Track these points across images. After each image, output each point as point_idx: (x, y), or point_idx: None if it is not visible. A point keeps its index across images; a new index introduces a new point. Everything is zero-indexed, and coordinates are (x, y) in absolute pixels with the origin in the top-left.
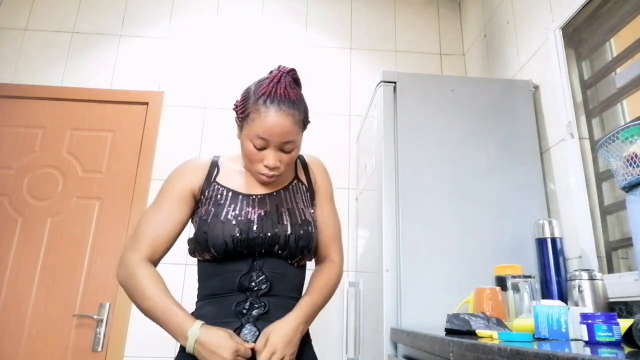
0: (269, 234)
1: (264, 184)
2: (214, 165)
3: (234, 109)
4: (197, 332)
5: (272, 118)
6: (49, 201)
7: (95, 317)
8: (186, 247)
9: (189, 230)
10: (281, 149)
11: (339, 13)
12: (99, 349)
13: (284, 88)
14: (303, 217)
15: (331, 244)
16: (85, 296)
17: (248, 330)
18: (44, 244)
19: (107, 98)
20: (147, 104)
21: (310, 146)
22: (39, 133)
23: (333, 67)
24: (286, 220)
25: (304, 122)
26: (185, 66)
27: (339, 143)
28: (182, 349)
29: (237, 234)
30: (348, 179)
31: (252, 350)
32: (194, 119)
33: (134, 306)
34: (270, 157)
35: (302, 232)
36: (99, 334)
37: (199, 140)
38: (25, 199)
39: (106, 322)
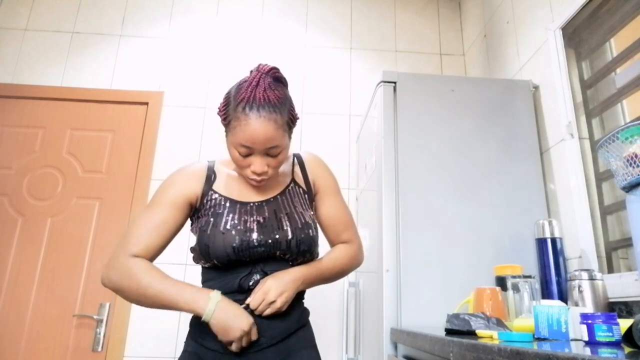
0: (270, 241)
1: (257, 188)
2: (211, 172)
3: (217, 114)
4: (219, 297)
5: (252, 126)
6: (49, 201)
7: (95, 317)
8: (186, 247)
9: (188, 237)
10: (267, 153)
11: (339, 13)
12: (99, 349)
13: (263, 91)
14: (303, 221)
15: (343, 233)
16: (85, 296)
17: None
18: (44, 244)
19: (107, 98)
20: (147, 104)
21: (310, 146)
22: (39, 133)
23: (333, 67)
24: (286, 225)
25: (289, 124)
26: (185, 66)
27: (339, 143)
28: (185, 348)
29: (238, 244)
30: (348, 179)
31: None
32: (194, 119)
33: (134, 306)
34: (257, 164)
35: (303, 236)
36: (99, 334)
37: (199, 140)
38: (25, 199)
39: (106, 322)
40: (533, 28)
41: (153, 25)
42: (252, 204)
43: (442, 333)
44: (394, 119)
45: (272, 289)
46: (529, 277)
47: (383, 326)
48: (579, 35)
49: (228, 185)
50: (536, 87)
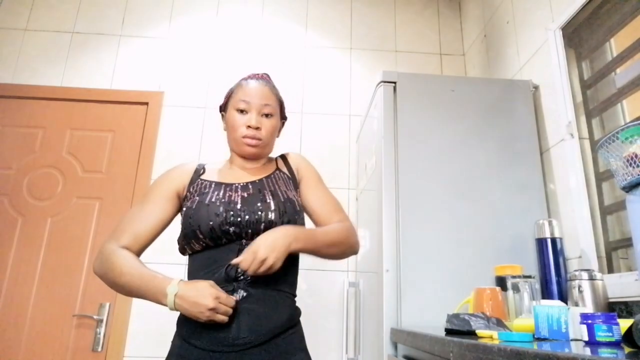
0: (253, 211)
1: (243, 172)
2: (200, 167)
3: (220, 107)
4: (176, 287)
5: (251, 85)
6: (49, 201)
7: (95, 317)
8: None
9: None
10: (261, 113)
11: (339, 13)
12: (99, 349)
13: (261, 74)
14: (286, 196)
15: (334, 214)
16: (85, 296)
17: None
18: (44, 244)
19: (107, 98)
20: (147, 104)
21: (310, 146)
22: (39, 133)
23: (333, 67)
24: (269, 199)
25: (280, 106)
26: (185, 66)
27: (339, 143)
28: (171, 350)
29: (222, 212)
30: (348, 179)
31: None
32: (194, 119)
33: (134, 306)
34: (253, 117)
35: (285, 208)
36: (99, 334)
37: (199, 140)
38: (25, 199)
39: (106, 322)
40: (533, 28)
41: (153, 25)
42: (237, 184)
43: (442, 333)
44: (394, 119)
45: (262, 246)
46: (529, 277)
47: (383, 326)
48: (579, 35)
49: (215, 174)
50: (536, 87)
